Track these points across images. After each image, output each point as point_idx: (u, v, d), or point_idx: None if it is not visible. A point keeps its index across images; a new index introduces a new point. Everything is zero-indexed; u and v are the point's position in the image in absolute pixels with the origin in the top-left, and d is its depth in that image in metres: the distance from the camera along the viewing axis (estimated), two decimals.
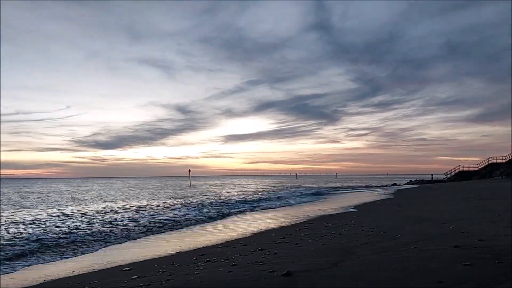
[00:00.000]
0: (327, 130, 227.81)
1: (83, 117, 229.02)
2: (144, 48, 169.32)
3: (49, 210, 25.10)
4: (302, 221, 15.77)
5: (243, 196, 39.50)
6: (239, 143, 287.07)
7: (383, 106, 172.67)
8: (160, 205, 27.71)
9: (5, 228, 16.16)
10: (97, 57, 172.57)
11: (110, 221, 18.46)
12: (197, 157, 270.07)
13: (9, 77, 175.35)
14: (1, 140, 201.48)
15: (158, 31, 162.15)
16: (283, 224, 15.23)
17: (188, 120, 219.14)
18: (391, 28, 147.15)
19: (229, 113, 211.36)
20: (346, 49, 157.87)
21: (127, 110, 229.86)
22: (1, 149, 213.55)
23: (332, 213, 18.89)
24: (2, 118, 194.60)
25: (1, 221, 18.86)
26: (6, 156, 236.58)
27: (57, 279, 7.96)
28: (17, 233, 14.69)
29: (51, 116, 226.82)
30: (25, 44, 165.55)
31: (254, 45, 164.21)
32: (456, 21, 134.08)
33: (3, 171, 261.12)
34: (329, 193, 43.86)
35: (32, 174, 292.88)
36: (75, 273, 8.39)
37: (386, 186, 61.10)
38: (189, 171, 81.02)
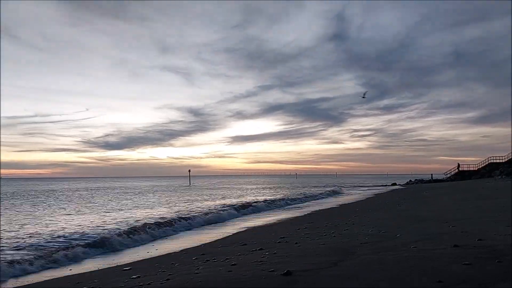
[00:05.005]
0: (332, 131, 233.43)
1: (99, 119, 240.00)
2: (171, 57, 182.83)
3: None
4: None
5: None
6: (245, 144, 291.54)
7: (389, 109, 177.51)
8: None
9: None
10: (123, 65, 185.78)
11: None
12: (200, 157, 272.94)
13: (36, 81, 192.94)
14: (13, 141, 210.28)
15: (187, 43, 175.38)
16: None
17: (199, 122, 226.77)
18: (403, 38, 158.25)
19: (239, 115, 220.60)
20: (358, 57, 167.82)
21: (142, 112, 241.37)
22: (11, 150, 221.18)
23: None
24: (19, 120, 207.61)
25: None
26: (14, 157, 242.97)
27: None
28: None
29: (68, 118, 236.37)
30: (61, 54, 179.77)
31: (274, 55, 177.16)
32: (464, 33, 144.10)
33: (7, 171, 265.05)
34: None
35: (34, 174, 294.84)
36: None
37: (386, 185, 61.28)
38: (189, 171, 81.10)
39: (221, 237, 13.25)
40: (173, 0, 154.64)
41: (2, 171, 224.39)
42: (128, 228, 14.78)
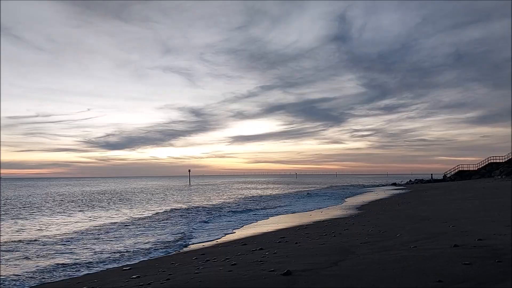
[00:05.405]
0: (332, 131, 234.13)
1: (100, 119, 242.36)
2: (173, 58, 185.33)
3: None
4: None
5: None
6: (245, 144, 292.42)
7: (389, 109, 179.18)
8: None
9: None
10: (126, 65, 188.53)
11: None
12: (201, 157, 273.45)
13: (38, 81, 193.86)
14: (14, 141, 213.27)
15: (190, 45, 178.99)
16: None
17: (201, 122, 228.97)
18: (404, 40, 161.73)
19: (240, 115, 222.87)
20: (360, 58, 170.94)
21: (143, 112, 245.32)
22: (12, 150, 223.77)
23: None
24: (21, 120, 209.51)
25: None
26: (15, 157, 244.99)
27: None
28: None
29: (69, 118, 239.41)
30: (64, 55, 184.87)
31: (275, 56, 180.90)
32: (465, 34, 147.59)
33: (8, 171, 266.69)
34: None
35: (34, 174, 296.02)
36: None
37: (386, 185, 61.35)
38: (189, 171, 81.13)
39: None
40: (176, 1, 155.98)
41: (3, 171, 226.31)
42: None
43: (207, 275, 6.23)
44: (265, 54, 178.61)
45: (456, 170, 57.21)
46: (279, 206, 25.55)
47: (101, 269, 8.64)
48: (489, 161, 54.32)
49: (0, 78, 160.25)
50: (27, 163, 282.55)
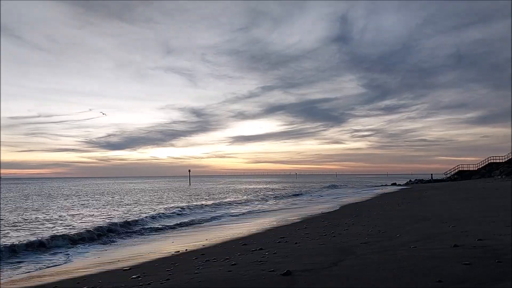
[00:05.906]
0: (332, 132, 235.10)
1: (102, 119, 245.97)
2: (175, 59, 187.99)
3: None
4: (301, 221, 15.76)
5: None
6: (246, 144, 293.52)
7: (389, 109, 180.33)
8: None
9: None
10: (128, 66, 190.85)
11: None
12: (201, 157, 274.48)
13: (40, 82, 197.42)
14: (15, 141, 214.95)
15: (192, 45, 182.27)
16: None
17: (201, 122, 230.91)
18: (405, 40, 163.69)
19: (241, 115, 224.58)
20: (361, 59, 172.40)
21: (144, 112, 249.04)
22: (14, 150, 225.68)
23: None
24: (22, 120, 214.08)
25: None
26: (16, 157, 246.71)
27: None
28: None
29: (71, 118, 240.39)
30: (66, 55, 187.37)
31: (277, 57, 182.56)
32: (466, 35, 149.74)
33: (8, 171, 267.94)
34: None
35: (34, 174, 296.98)
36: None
37: (386, 185, 61.38)
38: (189, 171, 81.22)
39: None
40: (178, 2, 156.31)
41: (3, 171, 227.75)
42: None
43: (207, 275, 6.22)
44: (267, 55, 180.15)
45: (456, 170, 57.25)
46: None
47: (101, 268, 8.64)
48: (489, 161, 54.40)
49: (1, 78, 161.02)
50: (28, 163, 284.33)
